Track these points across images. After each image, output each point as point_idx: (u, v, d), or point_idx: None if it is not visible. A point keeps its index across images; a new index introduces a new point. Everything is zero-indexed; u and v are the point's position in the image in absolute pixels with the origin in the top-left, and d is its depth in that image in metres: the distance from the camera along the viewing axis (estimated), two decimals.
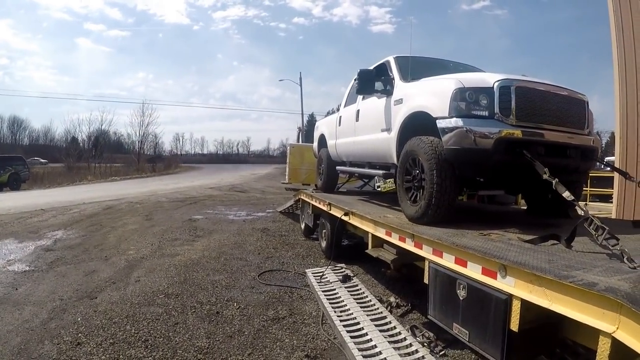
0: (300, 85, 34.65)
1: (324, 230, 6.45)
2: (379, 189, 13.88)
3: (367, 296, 4.10)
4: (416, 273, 3.39)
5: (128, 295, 4.27)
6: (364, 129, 5.07)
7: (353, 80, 6.25)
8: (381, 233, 3.75)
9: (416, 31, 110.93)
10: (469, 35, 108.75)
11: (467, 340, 2.43)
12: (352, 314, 3.62)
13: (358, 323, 3.42)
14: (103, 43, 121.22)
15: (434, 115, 3.37)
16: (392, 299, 4.11)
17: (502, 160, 3.11)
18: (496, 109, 3.14)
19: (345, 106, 6.23)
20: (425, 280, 2.97)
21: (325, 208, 5.68)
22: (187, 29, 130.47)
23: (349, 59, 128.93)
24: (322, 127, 7.58)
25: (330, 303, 3.90)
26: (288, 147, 23.60)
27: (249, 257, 6.14)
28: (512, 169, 3.19)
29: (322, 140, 7.44)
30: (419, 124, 3.70)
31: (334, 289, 4.31)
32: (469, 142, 3.09)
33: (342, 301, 3.95)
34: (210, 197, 15.08)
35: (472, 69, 4.90)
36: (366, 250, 4.04)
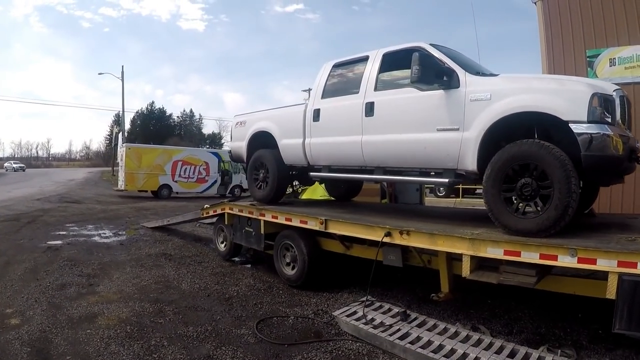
0: (122, 80, 29.47)
1: (286, 254, 5.63)
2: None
3: (457, 331, 3.61)
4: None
5: None
6: (389, 126, 4.48)
7: (330, 68, 5.52)
8: (496, 253, 3.36)
9: (227, 30, 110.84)
10: (280, 37, 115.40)
11: None
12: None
13: None
14: None
15: (564, 119, 3.27)
16: (482, 327, 3.81)
17: (625, 167, 3.30)
18: (617, 117, 3.38)
19: (324, 97, 5.41)
20: (610, 295, 2.84)
21: (338, 231, 4.77)
22: None
23: (155, 56, 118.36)
24: (262, 122, 6.43)
25: (433, 353, 3.26)
26: (123, 149, 20.04)
27: (201, 303, 4.78)
28: (621, 173, 3.42)
29: (263, 139, 6.33)
30: (514, 125, 3.55)
31: (407, 332, 3.60)
32: (611, 149, 3.16)
33: (439, 347, 3.36)
34: (46, 212, 13.08)
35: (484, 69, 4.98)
36: (467, 276, 3.56)
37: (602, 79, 6.44)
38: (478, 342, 3.39)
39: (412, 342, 3.39)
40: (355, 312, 4.04)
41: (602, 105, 3.25)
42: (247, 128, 6.76)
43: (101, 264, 6.52)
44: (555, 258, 3.09)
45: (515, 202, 3.52)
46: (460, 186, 16.32)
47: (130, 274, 5.95)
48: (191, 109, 79.99)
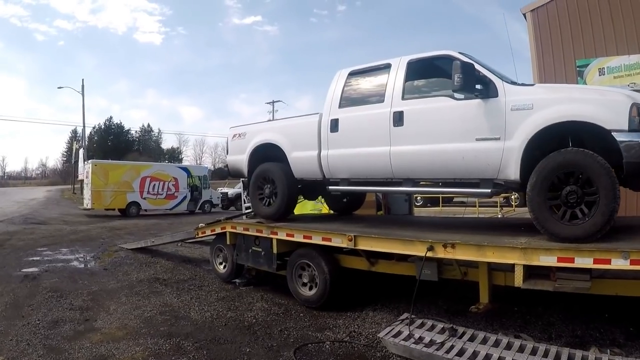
0: (83, 94, 28.09)
1: (302, 274, 5.47)
2: (249, 210, 12.77)
3: (510, 342, 3.60)
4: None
5: None
6: (422, 136, 4.47)
7: (345, 76, 5.46)
8: (549, 261, 3.43)
9: (184, 43, 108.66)
10: (237, 49, 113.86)
11: None
12: None
13: None
14: None
15: (607, 127, 3.44)
16: (523, 335, 3.85)
17: None
18: None
19: (342, 107, 5.33)
20: None
21: (370, 247, 4.64)
22: None
23: (111, 70, 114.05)
24: (267, 134, 6.24)
25: None
26: (89, 165, 18.98)
27: (221, 334, 4.47)
28: None
29: (268, 152, 6.15)
30: (558, 135, 3.69)
31: (462, 348, 3.56)
32: None
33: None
34: (13, 235, 12.31)
35: None
36: (520, 286, 3.57)
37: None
38: (534, 351, 3.42)
39: (471, 358, 3.36)
40: (400, 332, 3.94)
41: (639, 114, 3.45)
42: (247, 140, 6.54)
43: (91, 293, 6.03)
44: (609, 262, 3.21)
45: (561, 209, 3.62)
46: (441, 195, 16.66)
47: (127, 304, 5.53)
48: (149, 124, 77.42)
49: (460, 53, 4.41)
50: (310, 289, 5.38)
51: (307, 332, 4.51)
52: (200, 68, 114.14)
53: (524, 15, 8.30)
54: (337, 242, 4.88)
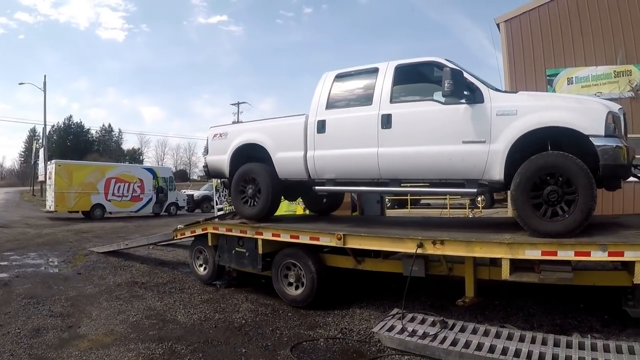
0: (45, 91, 26.80)
1: (288, 274, 5.51)
2: (222, 212, 12.64)
3: (499, 331, 3.80)
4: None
5: None
6: (410, 138, 4.65)
7: (332, 79, 5.57)
8: (534, 254, 3.70)
9: (147, 41, 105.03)
10: (201, 49, 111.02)
11: None
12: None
13: None
14: None
15: (585, 133, 3.77)
16: (508, 325, 4.08)
17: (629, 174, 3.84)
18: (622, 131, 3.96)
19: (329, 108, 5.42)
20: (637, 281, 3.36)
21: (359, 245, 4.75)
22: None
23: (72, 66, 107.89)
24: (250, 134, 6.23)
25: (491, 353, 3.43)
26: (52, 166, 18.14)
27: (214, 336, 4.43)
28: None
29: (250, 152, 6.16)
30: (538, 139, 3.97)
31: (455, 339, 3.74)
32: (621, 158, 3.74)
33: (492, 347, 3.53)
34: None
35: None
36: (507, 279, 3.79)
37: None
38: (522, 338, 3.65)
39: (465, 347, 3.55)
40: (393, 327, 4.08)
41: (614, 122, 3.81)
42: (229, 140, 6.49)
43: (69, 299, 5.79)
44: (588, 254, 3.53)
45: (543, 207, 3.90)
46: (409, 197, 17.05)
47: (110, 308, 5.36)
48: (110, 124, 74.77)
49: (446, 60, 4.62)
50: (297, 288, 5.43)
51: (299, 330, 4.56)
52: (163, 67, 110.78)
53: (498, 25, 8.75)
54: (326, 241, 4.96)
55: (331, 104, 5.43)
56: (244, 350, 4.01)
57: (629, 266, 3.59)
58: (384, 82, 4.95)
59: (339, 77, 5.54)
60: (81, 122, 67.73)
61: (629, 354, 3.23)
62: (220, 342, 4.25)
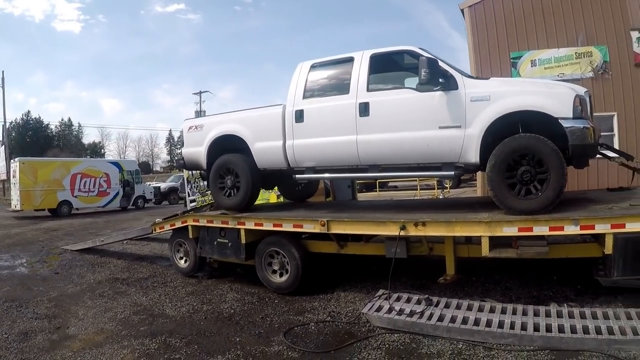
0: (3, 87, 25.18)
1: (272, 261, 5.58)
2: (194, 204, 12.48)
3: (481, 305, 4.03)
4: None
5: None
6: (388, 125, 4.76)
7: (308, 68, 5.59)
8: (512, 231, 3.93)
9: (104, 32, 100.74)
10: (159, 38, 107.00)
11: None
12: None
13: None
14: None
15: (555, 116, 3.99)
16: (488, 299, 4.30)
17: (595, 152, 4.12)
18: (588, 112, 4.21)
19: (306, 98, 5.45)
20: (607, 251, 3.64)
21: (343, 230, 4.88)
22: None
23: (27, 60, 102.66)
24: (227, 125, 6.18)
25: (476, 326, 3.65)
26: (16, 164, 17.41)
27: (206, 327, 4.48)
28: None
29: (228, 143, 6.13)
30: (509, 122, 4.16)
31: (441, 315, 3.93)
32: (589, 138, 3.99)
33: (476, 320, 3.75)
34: None
35: None
36: (486, 255, 4.01)
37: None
38: (503, 310, 3.88)
39: (451, 322, 3.75)
40: (381, 307, 4.24)
41: (581, 104, 4.05)
42: (205, 132, 6.42)
43: (51, 299, 5.64)
44: (562, 229, 3.78)
45: (517, 186, 4.13)
46: (377, 181, 17.37)
47: (95, 307, 5.27)
48: (69, 118, 72.07)
49: (420, 49, 4.74)
50: (281, 275, 5.50)
51: (289, 316, 4.65)
52: (121, 58, 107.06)
53: (462, 10, 8.95)
54: (309, 228, 5.05)
55: (308, 94, 5.46)
56: (238, 339, 4.07)
57: (599, 238, 3.89)
58: (360, 71, 5.02)
59: (315, 66, 5.57)
60: (40, 117, 65.32)
61: (604, 319, 3.51)
62: (213, 332, 4.30)
